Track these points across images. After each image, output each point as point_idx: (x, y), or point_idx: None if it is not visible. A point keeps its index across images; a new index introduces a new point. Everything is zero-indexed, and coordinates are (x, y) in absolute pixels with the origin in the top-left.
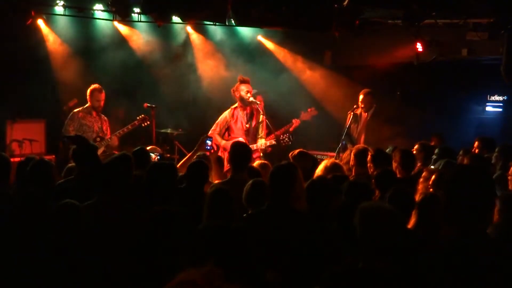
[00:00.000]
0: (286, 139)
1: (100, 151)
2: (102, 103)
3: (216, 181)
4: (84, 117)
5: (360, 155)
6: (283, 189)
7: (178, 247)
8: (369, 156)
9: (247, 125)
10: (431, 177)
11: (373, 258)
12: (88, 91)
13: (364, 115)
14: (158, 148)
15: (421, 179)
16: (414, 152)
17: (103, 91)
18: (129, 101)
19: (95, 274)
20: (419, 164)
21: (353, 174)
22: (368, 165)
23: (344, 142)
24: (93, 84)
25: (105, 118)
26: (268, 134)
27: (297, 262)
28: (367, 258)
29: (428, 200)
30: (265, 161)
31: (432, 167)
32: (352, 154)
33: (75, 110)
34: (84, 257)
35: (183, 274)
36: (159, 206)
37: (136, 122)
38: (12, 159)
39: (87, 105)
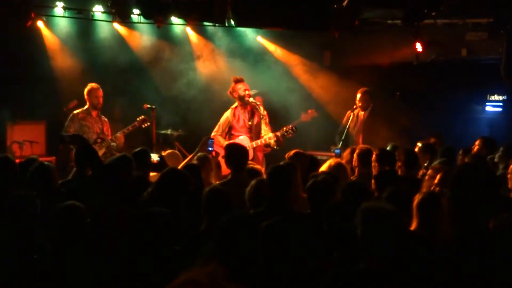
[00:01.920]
0: (290, 130)
1: (101, 153)
2: (101, 99)
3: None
4: (84, 118)
5: (364, 155)
6: (281, 190)
7: (171, 247)
8: (373, 156)
9: (249, 123)
10: (437, 176)
11: (375, 259)
12: (86, 90)
13: (362, 115)
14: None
15: (426, 177)
16: (417, 151)
17: (100, 88)
18: (129, 102)
19: (97, 275)
20: (425, 164)
21: (356, 174)
22: (373, 164)
23: (338, 151)
24: (90, 83)
25: (105, 119)
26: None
27: (296, 263)
28: (369, 259)
29: (428, 200)
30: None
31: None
32: (355, 154)
33: (75, 112)
34: (86, 258)
35: (186, 274)
36: (148, 208)
37: (136, 123)
38: None
39: (86, 106)
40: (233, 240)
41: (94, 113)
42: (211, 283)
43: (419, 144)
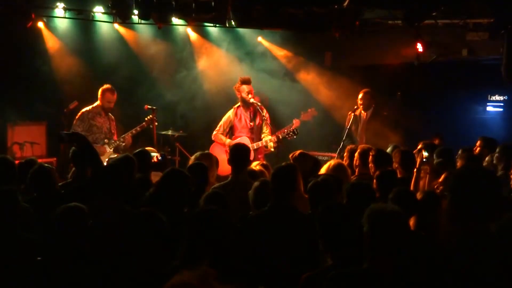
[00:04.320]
0: (291, 133)
1: (109, 153)
2: (112, 105)
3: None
4: (93, 118)
5: (366, 155)
6: (285, 190)
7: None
8: (370, 157)
9: (251, 124)
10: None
11: (378, 258)
12: (100, 90)
13: (364, 115)
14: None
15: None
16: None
17: (115, 92)
18: (130, 103)
19: (98, 276)
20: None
21: (356, 174)
22: (370, 165)
23: (344, 144)
24: (105, 84)
25: (112, 117)
26: (271, 133)
27: (298, 262)
28: (372, 258)
29: (427, 199)
30: (266, 163)
31: None
32: (357, 153)
33: (84, 110)
34: (88, 260)
35: (177, 277)
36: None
37: (144, 123)
38: None
39: (96, 103)
40: (232, 243)
41: (103, 112)
42: (203, 285)
43: (420, 145)
